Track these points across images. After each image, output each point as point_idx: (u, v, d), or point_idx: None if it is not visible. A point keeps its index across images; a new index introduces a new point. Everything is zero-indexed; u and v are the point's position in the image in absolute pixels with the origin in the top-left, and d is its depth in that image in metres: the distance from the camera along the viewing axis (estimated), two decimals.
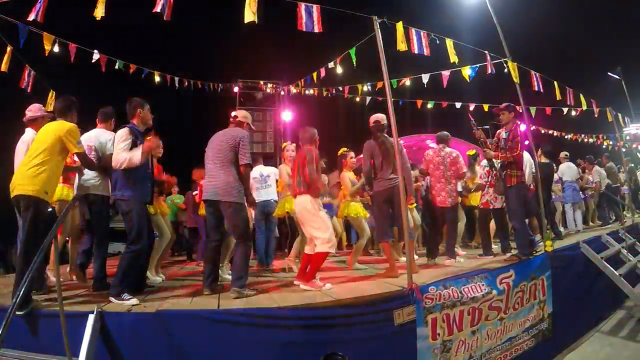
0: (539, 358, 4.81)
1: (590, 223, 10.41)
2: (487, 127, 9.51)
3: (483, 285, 4.28)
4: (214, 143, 4.23)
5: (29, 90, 6.30)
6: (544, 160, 7.84)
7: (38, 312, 3.28)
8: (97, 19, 4.18)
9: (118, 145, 3.86)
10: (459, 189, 7.07)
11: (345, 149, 6.36)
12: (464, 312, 4.05)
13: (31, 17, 4.45)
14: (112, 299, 3.56)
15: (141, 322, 3.18)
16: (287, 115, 14.10)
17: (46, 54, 5.83)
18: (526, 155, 6.24)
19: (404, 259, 5.63)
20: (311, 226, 4.42)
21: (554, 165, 8.61)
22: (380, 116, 5.25)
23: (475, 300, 4.15)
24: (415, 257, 5.73)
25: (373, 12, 4.43)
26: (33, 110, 4.46)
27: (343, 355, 2.83)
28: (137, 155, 3.82)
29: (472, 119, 5.97)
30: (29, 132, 4.37)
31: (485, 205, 6.38)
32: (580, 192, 9.49)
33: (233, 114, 4.49)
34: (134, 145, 3.88)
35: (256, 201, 6.48)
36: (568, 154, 9.35)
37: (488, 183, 6.27)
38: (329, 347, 3.20)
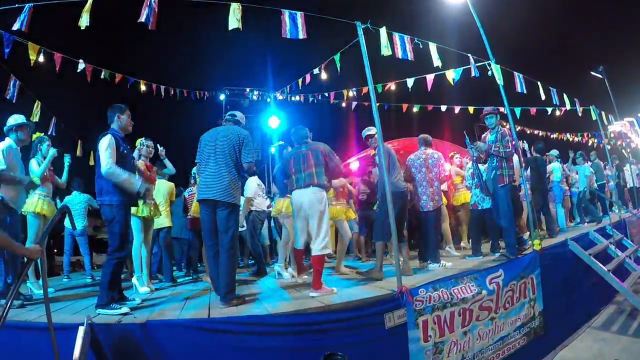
0: (531, 356, 4.84)
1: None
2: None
3: (473, 285, 4.32)
4: (216, 140, 4.06)
5: (13, 101, 6.24)
6: (535, 155, 7.93)
7: (26, 324, 3.24)
8: (82, 28, 4.15)
9: (106, 152, 3.74)
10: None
11: None
12: (455, 313, 4.07)
13: (15, 27, 4.41)
14: (100, 310, 3.50)
15: (131, 333, 3.14)
16: (273, 122, 14.03)
17: (31, 64, 5.77)
18: (514, 157, 6.29)
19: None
20: (319, 221, 4.33)
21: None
22: None
23: (466, 301, 4.17)
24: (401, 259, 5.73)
25: (357, 17, 4.45)
26: None
27: (343, 355, 2.84)
28: (134, 183, 3.84)
29: (467, 136, 6.07)
30: None
31: (474, 206, 6.45)
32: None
33: (230, 112, 4.43)
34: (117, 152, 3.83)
35: (261, 210, 6.54)
36: (558, 153, 9.43)
37: (474, 185, 6.33)
38: (321, 352, 3.21)
